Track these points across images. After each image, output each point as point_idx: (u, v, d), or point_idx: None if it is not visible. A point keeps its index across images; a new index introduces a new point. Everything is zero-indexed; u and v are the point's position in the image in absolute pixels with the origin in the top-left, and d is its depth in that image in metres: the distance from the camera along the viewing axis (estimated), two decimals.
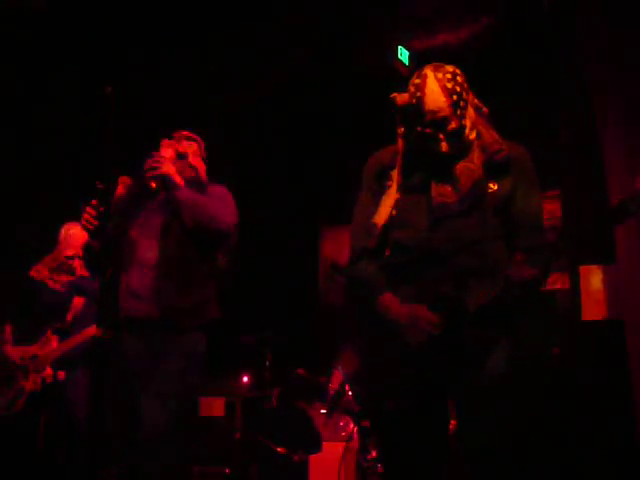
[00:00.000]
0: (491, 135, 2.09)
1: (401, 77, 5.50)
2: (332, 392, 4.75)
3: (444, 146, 2.01)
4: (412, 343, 2.00)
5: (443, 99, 1.95)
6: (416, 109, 1.99)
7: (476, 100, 2.11)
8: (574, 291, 3.81)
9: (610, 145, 3.43)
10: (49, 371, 3.63)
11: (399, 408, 2.02)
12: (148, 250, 2.73)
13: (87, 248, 2.78)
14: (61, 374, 3.66)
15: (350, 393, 4.37)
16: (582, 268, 3.75)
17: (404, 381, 2.03)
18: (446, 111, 1.96)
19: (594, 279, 3.71)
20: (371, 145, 2.33)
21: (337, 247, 7.45)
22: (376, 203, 2.18)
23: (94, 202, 2.58)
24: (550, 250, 2.00)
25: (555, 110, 3.98)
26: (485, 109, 2.12)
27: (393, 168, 2.13)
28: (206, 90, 4.97)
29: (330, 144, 6.28)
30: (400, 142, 2.11)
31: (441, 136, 2.00)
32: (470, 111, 2.04)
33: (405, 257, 2.10)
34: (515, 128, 2.21)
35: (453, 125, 1.98)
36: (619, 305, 3.55)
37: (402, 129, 2.11)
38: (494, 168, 2.06)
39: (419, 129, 2.01)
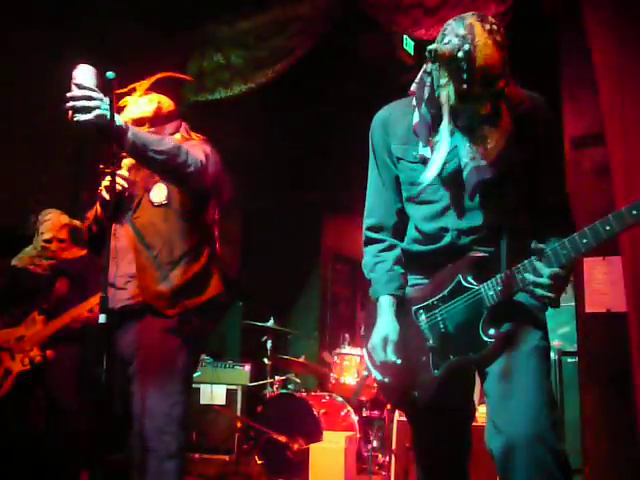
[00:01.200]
0: (514, 87, 1.86)
1: (406, 66, 5.48)
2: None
3: (488, 107, 1.79)
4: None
5: (497, 55, 1.69)
6: (463, 64, 1.70)
7: None
8: (578, 283, 3.80)
9: (617, 137, 3.40)
10: (36, 351, 3.64)
11: (426, 396, 1.97)
12: (121, 236, 2.52)
13: (95, 220, 2.59)
14: (50, 353, 3.67)
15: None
16: (586, 260, 3.74)
17: (429, 368, 1.97)
18: (499, 68, 1.70)
19: (598, 271, 3.70)
20: None
21: (339, 236, 7.46)
22: (389, 174, 2.05)
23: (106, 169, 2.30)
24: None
25: (561, 102, 3.96)
26: None
27: (409, 128, 1.95)
28: (208, 80, 4.94)
29: (333, 134, 6.26)
30: (442, 97, 1.80)
31: (489, 96, 1.76)
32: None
33: (423, 244, 2.02)
34: None
35: (501, 84, 1.73)
36: (622, 297, 3.53)
37: (442, 84, 1.78)
38: (517, 124, 1.86)
39: (465, 87, 1.73)
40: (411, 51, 5.56)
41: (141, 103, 2.59)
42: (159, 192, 2.53)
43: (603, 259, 3.69)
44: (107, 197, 2.45)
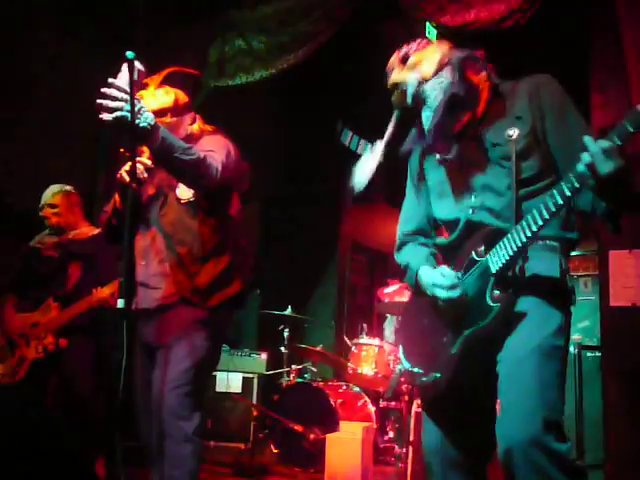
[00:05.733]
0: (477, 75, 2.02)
1: None
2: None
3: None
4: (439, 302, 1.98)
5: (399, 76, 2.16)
6: None
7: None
8: (603, 276, 3.74)
9: None
10: (51, 339, 3.64)
11: (445, 376, 1.96)
12: (148, 236, 2.55)
13: (114, 212, 2.57)
14: (63, 342, 3.66)
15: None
16: (612, 253, 3.68)
17: (447, 347, 1.97)
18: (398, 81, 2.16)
19: (623, 264, 3.63)
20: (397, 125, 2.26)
21: (358, 226, 7.41)
22: (418, 190, 2.21)
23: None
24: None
25: (588, 90, 3.88)
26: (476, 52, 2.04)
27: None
28: (229, 66, 4.90)
29: (355, 123, 6.20)
30: None
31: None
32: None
33: (449, 234, 2.09)
34: None
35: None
36: None
37: None
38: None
39: None
40: (434, 39, 5.48)
41: (158, 95, 2.58)
42: (185, 189, 2.54)
43: (629, 252, 3.62)
44: (127, 180, 2.41)
